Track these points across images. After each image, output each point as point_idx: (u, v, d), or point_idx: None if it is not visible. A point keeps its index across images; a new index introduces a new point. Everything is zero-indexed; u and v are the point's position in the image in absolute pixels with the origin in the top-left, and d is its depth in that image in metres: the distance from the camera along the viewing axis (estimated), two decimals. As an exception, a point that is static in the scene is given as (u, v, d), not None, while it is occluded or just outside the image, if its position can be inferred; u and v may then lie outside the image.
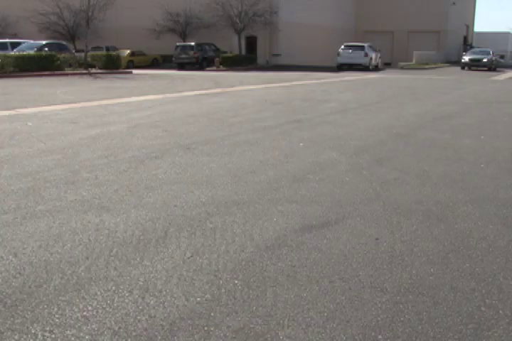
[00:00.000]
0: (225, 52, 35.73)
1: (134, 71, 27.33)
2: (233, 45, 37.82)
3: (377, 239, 3.55)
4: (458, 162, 6.01)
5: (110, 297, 2.70)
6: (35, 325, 2.43)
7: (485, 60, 33.81)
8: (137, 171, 5.36)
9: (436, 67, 37.04)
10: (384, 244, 3.45)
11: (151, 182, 4.91)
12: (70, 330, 2.39)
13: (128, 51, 34.29)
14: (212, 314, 2.55)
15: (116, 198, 4.39)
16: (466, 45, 52.76)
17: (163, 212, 4.05)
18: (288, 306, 2.63)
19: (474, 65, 34.01)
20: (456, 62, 45.55)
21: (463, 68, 34.28)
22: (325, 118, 9.52)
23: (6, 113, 9.81)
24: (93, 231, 3.62)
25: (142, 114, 9.97)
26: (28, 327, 2.41)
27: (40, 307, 2.59)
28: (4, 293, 2.71)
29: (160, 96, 13.59)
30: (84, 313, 2.54)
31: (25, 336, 2.34)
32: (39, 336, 2.35)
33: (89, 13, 25.73)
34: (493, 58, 34.60)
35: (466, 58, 34.58)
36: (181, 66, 33.00)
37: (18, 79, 19.64)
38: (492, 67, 34.12)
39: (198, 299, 2.69)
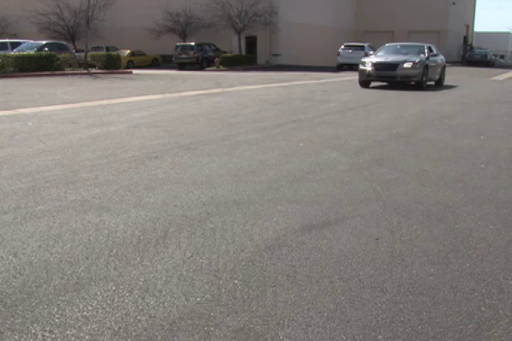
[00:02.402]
0: (225, 52, 35.77)
1: (134, 71, 27.34)
2: (233, 45, 37.86)
3: (377, 239, 3.55)
4: (458, 162, 6.01)
5: (110, 297, 2.70)
6: (35, 325, 2.43)
7: (407, 66, 16.55)
8: (137, 171, 5.36)
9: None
10: (384, 244, 3.45)
11: (151, 182, 4.91)
12: (70, 330, 2.39)
13: (128, 51, 34.34)
14: (212, 314, 2.55)
15: (116, 198, 4.39)
16: (466, 45, 52.77)
17: (163, 212, 4.05)
18: (288, 306, 2.63)
19: (384, 75, 16.94)
20: (457, 62, 45.60)
21: (364, 84, 17.41)
22: (325, 118, 9.52)
23: (6, 113, 9.81)
24: (93, 231, 3.62)
25: (142, 113, 9.97)
26: (28, 327, 2.41)
27: (40, 307, 2.59)
28: (4, 293, 2.71)
29: (160, 96, 13.59)
30: (84, 313, 2.54)
31: (25, 336, 2.34)
32: (39, 336, 2.35)
33: (89, 13, 25.77)
34: (439, 61, 18.49)
35: (367, 62, 17.24)
36: (181, 66, 33.04)
37: (18, 79, 19.64)
38: (424, 80, 16.74)
39: (198, 299, 2.69)
